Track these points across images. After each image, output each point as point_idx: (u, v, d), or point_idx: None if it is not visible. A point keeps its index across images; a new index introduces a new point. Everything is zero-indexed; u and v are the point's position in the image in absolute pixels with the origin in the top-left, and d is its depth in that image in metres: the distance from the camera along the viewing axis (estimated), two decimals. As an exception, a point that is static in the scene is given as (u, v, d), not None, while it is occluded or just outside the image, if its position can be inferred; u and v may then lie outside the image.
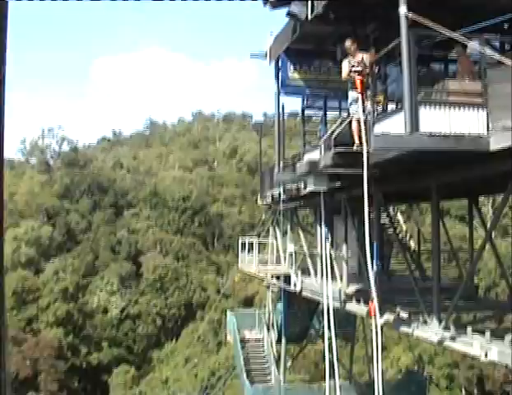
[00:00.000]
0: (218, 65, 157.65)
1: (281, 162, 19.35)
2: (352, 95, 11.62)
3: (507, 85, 8.60)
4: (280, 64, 18.13)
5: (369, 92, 11.31)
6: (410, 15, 9.48)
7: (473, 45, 9.81)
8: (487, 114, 9.54)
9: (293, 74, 17.51)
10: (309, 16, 13.26)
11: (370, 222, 10.67)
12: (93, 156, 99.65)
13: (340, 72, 11.86)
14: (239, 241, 24.35)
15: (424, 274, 17.13)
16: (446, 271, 17.00)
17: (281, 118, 19.70)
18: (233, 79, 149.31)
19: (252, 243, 23.69)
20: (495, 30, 10.17)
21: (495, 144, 9.22)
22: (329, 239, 15.69)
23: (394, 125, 10.04)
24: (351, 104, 11.71)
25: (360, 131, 11.22)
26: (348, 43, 11.67)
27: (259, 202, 23.60)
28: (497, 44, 12.84)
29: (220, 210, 79.03)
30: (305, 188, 14.32)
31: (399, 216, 20.88)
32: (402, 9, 9.49)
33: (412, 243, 19.88)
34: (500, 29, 11.71)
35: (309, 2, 13.13)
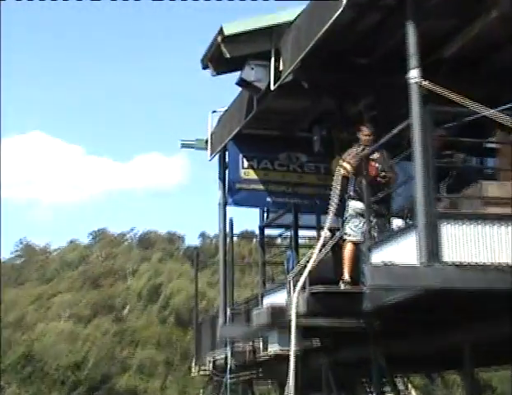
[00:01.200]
0: (131, 162, 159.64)
1: (229, 309, 19.08)
2: (354, 205, 11.82)
3: None
4: (227, 158, 18.20)
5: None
6: (423, 83, 9.62)
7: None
8: None
9: (247, 174, 17.56)
10: (273, 86, 13.38)
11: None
12: None
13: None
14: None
15: None
16: None
17: (228, 242, 19.59)
18: (154, 182, 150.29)
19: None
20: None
21: None
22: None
23: (402, 251, 10.12)
24: (346, 219, 11.97)
25: (353, 260, 11.28)
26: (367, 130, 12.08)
27: (194, 371, 23.09)
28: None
29: (132, 383, 77.33)
30: (266, 349, 14.18)
31: (413, 393, 20.62)
32: (413, 74, 9.62)
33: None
34: None
35: (273, 65, 13.30)
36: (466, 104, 9.47)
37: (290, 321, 11.98)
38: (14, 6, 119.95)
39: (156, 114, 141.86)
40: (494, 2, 10.89)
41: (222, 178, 18.74)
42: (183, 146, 20.22)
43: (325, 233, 12.52)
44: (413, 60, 9.98)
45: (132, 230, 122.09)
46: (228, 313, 19.05)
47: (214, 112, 18.49)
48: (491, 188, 10.30)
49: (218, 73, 14.53)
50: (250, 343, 17.01)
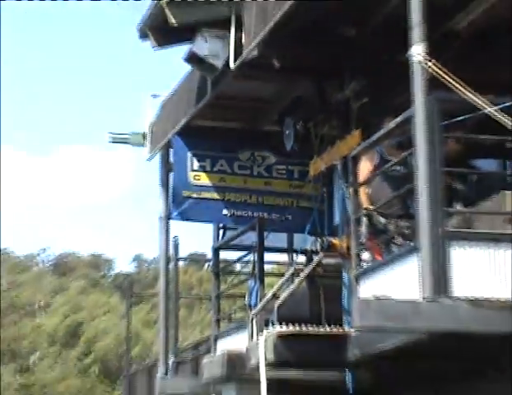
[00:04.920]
0: (50, 157, 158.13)
1: (171, 357, 19.06)
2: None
3: None
4: (171, 158, 18.16)
5: None
6: (429, 63, 9.68)
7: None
8: None
9: (197, 178, 17.52)
10: (233, 64, 13.39)
11: None
12: None
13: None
14: None
15: None
16: None
17: (171, 267, 19.56)
18: (78, 187, 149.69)
19: None
20: None
21: None
22: None
23: (400, 282, 10.20)
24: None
25: None
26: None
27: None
28: None
29: None
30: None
31: None
32: (416, 51, 9.67)
33: None
34: None
35: (233, 38, 13.30)
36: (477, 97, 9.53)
37: (253, 372, 12.00)
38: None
39: (85, 98, 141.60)
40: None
41: (165, 184, 18.68)
42: (114, 141, 20.04)
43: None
44: (417, 32, 9.97)
45: (44, 250, 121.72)
46: (170, 361, 19.01)
47: (155, 96, 18.47)
48: (513, 200, 10.39)
49: (161, 45, 14.52)
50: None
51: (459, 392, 12.10)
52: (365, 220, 11.67)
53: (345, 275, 12.55)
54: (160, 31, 14.14)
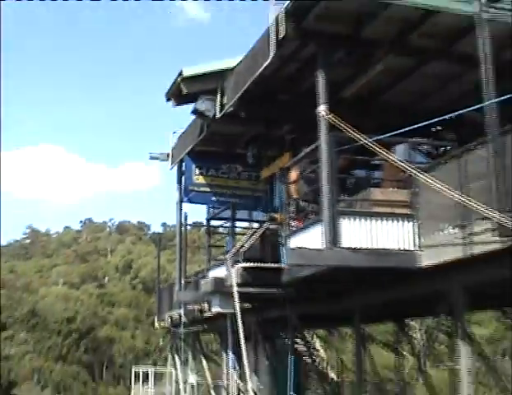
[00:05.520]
0: (113, 168, 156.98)
1: (183, 279, 18.89)
2: None
3: (437, 195, 8.69)
4: (183, 168, 18.02)
5: None
6: (329, 116, 9.63)
7: (400, 150, 10.03)
8: (416, 227, 9.61)
9: (198, 179, 17.38)
10: (218, 115, 13.28)
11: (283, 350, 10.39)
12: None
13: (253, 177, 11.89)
14: (133, 371, 23.30)
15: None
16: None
17: (183, 230, 19.41)
18: (129, 184, 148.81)
19: (147, 374, 22.68)
20: (423, 134, 10.48)
21: (426, 260, 9.23)
22: (237, 369, 15.26)
23: (312, 239, 10.03)
24: None
25: None
26: None
27: (156, 325, 22.83)
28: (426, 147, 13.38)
29: (110, 333, 76.25)
30: (210, 309, 14.02)
31: (318, 343, 20.64)
32: (322, 109, 9.63)
33: (333, 374, 19.58)
34: (429, 132, 12.14)
35: (218, 100, 13.18)
36: (354, 134, 9.47)
37: (229, 289, 11.92)
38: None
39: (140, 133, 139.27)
40: (379, 59, 10.95)
41: (179, 183, 18.55)
42: (151, 158, 19.94)
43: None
44: (322, 98, 10.00)
45: (111, 219, 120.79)
46: (182, 282, 18.89)
47: (174, 133, 18.29)
48: (377, 193, 10.31)
49: (178, 104, 14.36)
50: (198, 305, 16.86)
51: (341, 299, 12.13)
52: (293, 204, 11.60)
53: (281, 235, 12.44)
54: (177, 96, 13.99)
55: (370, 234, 9.70)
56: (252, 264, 11.81)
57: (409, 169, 9.39)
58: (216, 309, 13.18)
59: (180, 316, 18.80)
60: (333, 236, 9.44)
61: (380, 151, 9.46)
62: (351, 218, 9.74)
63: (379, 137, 9.55)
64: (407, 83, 12.49)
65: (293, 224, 11.51)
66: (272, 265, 11.77)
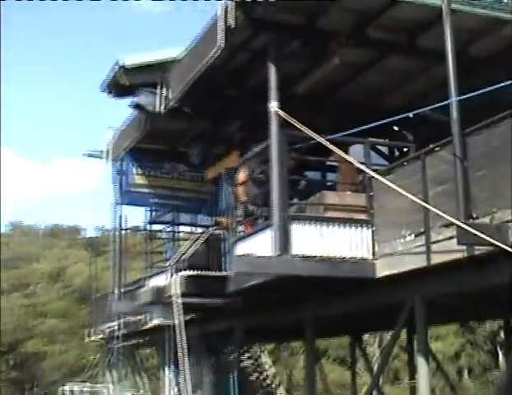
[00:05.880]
0: (44, 165, 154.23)
1: (120, 288, 18.64)
2: None
3: (396, 199, 8.71)
4: (122, 167, 17.75)
5: None
6: (281, 113, 9.58)
7: (357, 150, 10.05)
8: (373, 233, 9.63)
9: (138, 179, 17.15)
10: (160, 110, 13.08)
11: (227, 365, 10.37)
12: None
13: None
14: (64, 389, 22.98)
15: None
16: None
17: (120, 234, 19.15)
18: (62, 183, 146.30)
19: (81, 391, 22.37)
20: (382, 134, 10.54)
21: (383, 270, 9.27)
22: (177, 386, 15.16)
23: (261, 245, 9.97)
24: None
25: None
26: None
27: (90, 338, 22.53)
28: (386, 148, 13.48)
29: (40, 347, 75.02)
30: (150, 321, 13.88)
31: (266, 358, 20.64)
32: (273, 105, 9.57)
33: (282, 391, 19.61)
34: (388, 132, 12.21)
35: (161, 93, 12.99)
36: (306, 132, 9.40)
37: (170, 299, 11.81)
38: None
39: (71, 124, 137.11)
40: (334, 51, 10.92)
41: (116, 183, 18.26)
42: (87, 155, 19.65)
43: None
44: (273, 93, 9.93)
45: (43, 222, 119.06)
46: (119, 291, 18.64)
47: (109, 128, 17.97)
48: (331, 197, 10.27)
49: (116, 97, 14.09)
50: (137, 316, 16.71)
51: (292, 311, 12.13)
52: (241, 207, 11.54)
53: (228, 240, 12.36)
54: (115, 88, 13.74)
55: (323, 241, 9.66)
56: (195, 272, 11.74)
57: (366, 170, 9.38)
58: (156, 321, 13.14)
59: (117, 328, 18.58)
60: (284, 243, 9.39)
61: (336, 150, 9.42)
62: (304, 223, 9.70)
63: (334, 136, 9.53)
64: (364, 78, 12.47)
65: (240, 229, 11.49)
66: (218, 273, 11.72)
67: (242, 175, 11.73)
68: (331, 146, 9.33)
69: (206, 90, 12.56)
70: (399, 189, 8.47)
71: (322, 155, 10.02)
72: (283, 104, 9.89)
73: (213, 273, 11.70)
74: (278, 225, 9.47)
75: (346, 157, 9.69)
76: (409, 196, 8.36)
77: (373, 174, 9.31)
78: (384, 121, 8.88)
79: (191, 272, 11.75)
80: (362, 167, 9.47)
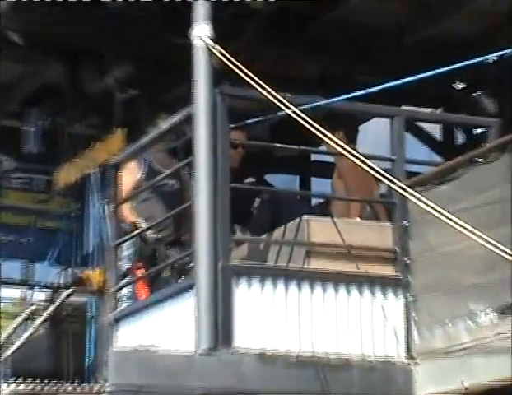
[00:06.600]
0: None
1: None
2: None
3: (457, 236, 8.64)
4: None
5: None
6: (217, 48, 9.58)
7: (373, 131, 10.06)
8: (407, 308, 9.79)
9: None
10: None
11: None
12: None
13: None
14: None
15: None
16: None
17: None
18: None
19: None
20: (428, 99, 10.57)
21: (427, 384, 9.34)
22: None
23: (171, 328, 10.16)
24: None
25: None
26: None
27: None
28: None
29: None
30: None
31: None
32: (200, 31, 9.66)
33: None
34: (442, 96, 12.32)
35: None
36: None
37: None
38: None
39: None
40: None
41: None
42: None
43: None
44: (202, 8, 9.82)
45: None
46: None
47: None
48: (319, 228, 10.25)
49: None
50: None
51: None
52: (131, 244, 11.43)
53: (97, 317, 12.26)
54: None
55: (301, 321, 9.69)
56: (29, 385, 11.45)
57: (393, 176, 9.30)
58: None
59: None
60: (222, 324, 9.32)
61: (328, 134, 9.36)
62: (261, 282, 9.70)
63: (329, 101, 9.55)
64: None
65: (127, 291, 11.43)
66: (76, 386, 11.50)
67: (132, 178, 11.73)
68: (318, 126, 9.24)
69: (60, 3, 12.46)
70: (465, 216, 8.37)
71: (302, 140, 9.93)
72: (223, 32, 9.80)
73: (69, 387, 11.41)
74: (208, 285, 9.35)
75: (352, 148, 9.63)
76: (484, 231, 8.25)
77: (408, 183, 9.27)
78: (436, 71, 8.81)
79: (22, 385, 11.47)
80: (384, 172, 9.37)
